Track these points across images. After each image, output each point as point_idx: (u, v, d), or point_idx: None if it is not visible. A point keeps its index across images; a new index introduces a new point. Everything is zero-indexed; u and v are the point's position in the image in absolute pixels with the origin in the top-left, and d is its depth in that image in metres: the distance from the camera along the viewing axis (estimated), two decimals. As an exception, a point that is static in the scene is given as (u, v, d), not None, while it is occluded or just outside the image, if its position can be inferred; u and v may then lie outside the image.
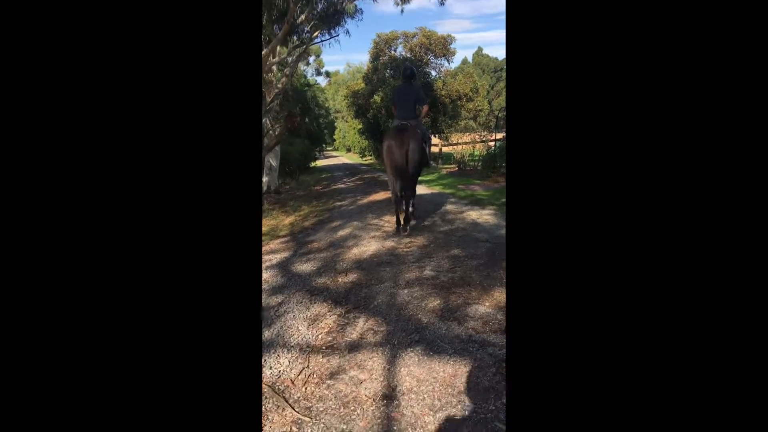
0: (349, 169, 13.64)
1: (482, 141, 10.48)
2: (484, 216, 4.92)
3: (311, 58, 32.58)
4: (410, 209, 4.19)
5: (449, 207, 5.73)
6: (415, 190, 4.31)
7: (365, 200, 6.92)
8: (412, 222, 4.27)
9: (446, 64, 14.80)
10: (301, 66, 29.36)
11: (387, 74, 14.31)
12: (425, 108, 4.34)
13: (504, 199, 5.86)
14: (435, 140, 15.32)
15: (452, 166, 12.25)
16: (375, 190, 8.18)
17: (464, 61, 38.46)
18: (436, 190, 7.72)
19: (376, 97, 13.72)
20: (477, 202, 5.92)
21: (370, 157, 17.83)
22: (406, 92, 4.15)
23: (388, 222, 4.95)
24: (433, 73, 14.70)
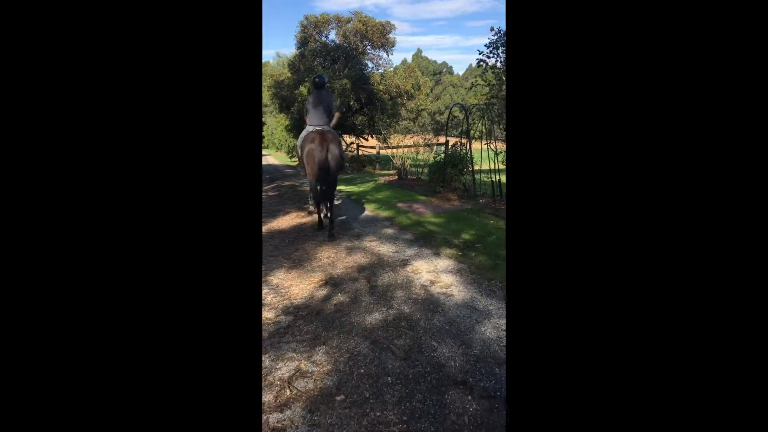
0: (269, 173, 11.08)
1: (427, 144, 8.47)
2: (442, 279, 2.80)
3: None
4: (331, 215, 4.13)
5: (383, 249, 3.56)
6: (333, 195, 4.18)
7: (266, 227, 4.59)
8: (335, 228, 4.11)
9: (385, 55, 12.73)
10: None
11: (316, 63, 11.91)
12: (337, 115, 4.38)
13: (467, 238, 3.80)
14: (372, 141, 13.19)
15: (391, 172, 10.16)
16: (286, 208, 5.82)
17: (404, 62, 36.90)
18: (369, 208, 5.53)
19: (302, 88, 11.27)
20: (426, 240, 3.83)
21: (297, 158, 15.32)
22: (318, 99, 4.21)
23: (286, 284, 2.67)
24: (370, 65, 12.56)
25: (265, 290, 2.66)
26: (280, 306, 2.41)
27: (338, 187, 7.95)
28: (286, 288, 2.69)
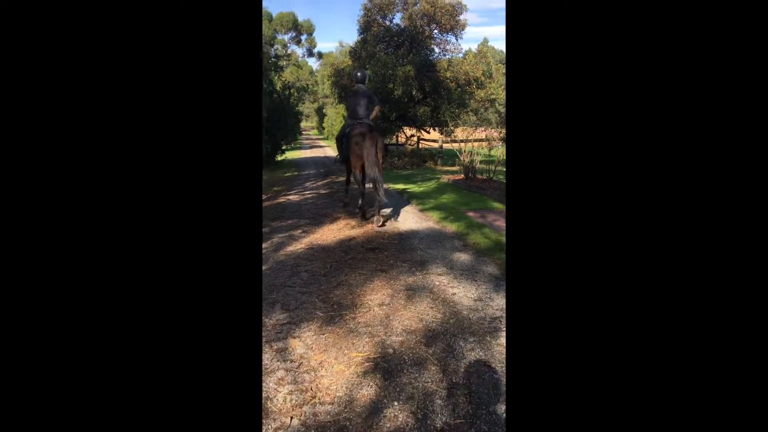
0: (324, 166, 10.28)
1: (503, 139, 7.12)
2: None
3: (303, 37, 28.87)
4: (382, 201, 4.01)
5: (459, 294, 2.44)
6: (383, 183, 4.01)
7: (307, 239, 3.65)
8: (382, 220, 4.05)
9: (453, 40, 11.37)
10: (290, 46, 25.73)
11: (378, 48, 10.85)
12: (377, 109, 4.41)
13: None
14: (434, 134, 11.94)
15: (455, 169, 8.91)
16: (335, 212, 4.87)
17: (468, 53, 34.87)
18: (432, 218, 4.41)
19: (362, 76, 10.29)
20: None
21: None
22: (359, 95, 4.25)
23: (313, 363, 1.66)
24: (437, 50, 11.25)
25: (280, 370, 1.67)
26: (299, 415, 1.40)
27: (396, 187, 6.90)
28: (312, 370, 1.68)
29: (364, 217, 4.31)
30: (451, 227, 4.10)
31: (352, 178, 4.54)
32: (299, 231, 4.00)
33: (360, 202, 4.41)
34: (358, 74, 4.40)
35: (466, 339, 1.91)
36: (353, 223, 4.28)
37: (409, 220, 4.45)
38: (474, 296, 2.41)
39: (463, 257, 3.14)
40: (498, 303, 2.30)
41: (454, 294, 2.44)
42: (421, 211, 4.96)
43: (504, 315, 2.15)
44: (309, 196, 6.15)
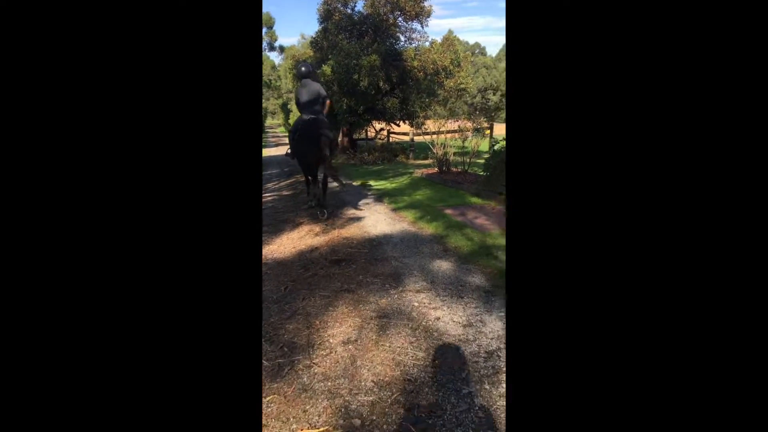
0: (288, 165, 9.59)
1: (477, 129, 6.69)
2: None
3: (263, 30, 27.61)
4: (324, 193, 4.20)
5: (444, 319, 1.95)
6: (327, 177, 4.22)
7: (267, 246, 3.07)
8: (324, 214, 4.07)
9: (419, 27, 10.86)
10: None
11: (340, 37, 10.21)
12: (329, 102, 4.33)
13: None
14: (404, 127, 11.44)
15: (428, 162, 8.45)
16: (298, 217, 4.29)
17: (433, 44, 34.60)
18: (406, 218, 3.91)
19: (325, 67, 9.63)
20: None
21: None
22: (307, 89, 4.10)
23: None
24: (402, 38, 10.72)
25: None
26: None
27: (366, 184, 6.37)
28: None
29: (322, 205, 4.25)
30: (428, 228, 3.61)
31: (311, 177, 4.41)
32: (253, 242, 3.40)
33: (310, 197, 4.47)
34: (302, 69, 4.23)
35: (459, 391, 1.42)
36: (317, 228, 3.72)
37: (381, 222, 3.93)
38: (462, 320, 1.92)
39: (444, 266, 2.65)
40: (492, 328, 1.82)
41: (438, 319, 1.94)
42: (394, 210, 4.45)
43: (502, 346, 1.67)
44: (269, 198, 5.52)
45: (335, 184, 4.16)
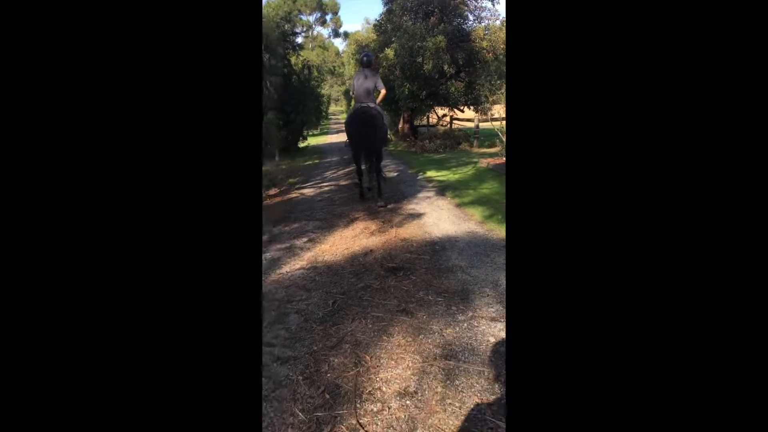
0: (348, 153, 9.37)
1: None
2: None
3: (328, 17, 27.57)
4: (381, 182, 4.21)
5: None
6: (381, 167, 4.31)
7: (311, 252, 2.78)
8: (381, 203, 4.06)
9: (490, 5, 9.97)
10: (316, 27, 24.59)
11: (405, 19, 9.65)
12: (383, 91, 4.38)
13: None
14: (469, 113, 10.69)
15: (493, 151, 7.73)
16: (354, 211, 3.96)
17: (504, 23, 32.56)
18: (473, 216, 3.40)
19: (388, 51, 9.18)
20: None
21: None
22: (364, 78, 4.17)
23: None
24: (471, 17, 9.91)
25: None
26: None
27: (427, 174, 5.91)
28: None
29: (363, 196, 4.39)
30: (499, 231, 3.09)
31: (363, 166, 4.38)
32: (304, 239, 3.11)
33: (360, 184, 4.47)
34: (364, 58, 4.35)
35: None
36: (373, 226, 3.35)
37: (444, 220, 3.47)
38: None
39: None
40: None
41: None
42: (459, 206, 3.96)
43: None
44: (326, 188, 5.27)
45: (374, 181, 4.22)
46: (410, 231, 3.17)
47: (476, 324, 1.78)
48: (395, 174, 4.56)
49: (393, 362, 1.53)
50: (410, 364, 1.51)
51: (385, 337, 1.70)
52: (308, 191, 5.16)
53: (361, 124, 4.00)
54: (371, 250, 2.77)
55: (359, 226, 3.38)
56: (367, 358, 1.56)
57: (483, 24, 9.66)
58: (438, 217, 3.56)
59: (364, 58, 4.34)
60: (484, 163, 6.58)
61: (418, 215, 3.66)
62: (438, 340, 1.66)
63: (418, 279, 2.28)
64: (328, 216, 3.79)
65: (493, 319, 1.82)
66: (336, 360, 1.56)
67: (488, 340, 1.65)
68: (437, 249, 2.76)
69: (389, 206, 4.03)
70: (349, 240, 3.04)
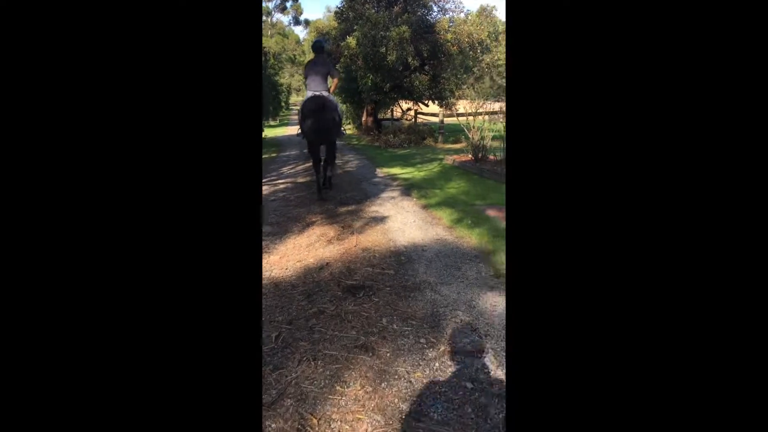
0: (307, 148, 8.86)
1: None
2: None
3: (288, 3, 26.45)
4: (329, 174, 4.24)
5: None
6: (334, 158, 4.34)
7: (267, 257, 2.38)
8: (329, 190, 4.15)
9: (454, -3, 9.73)
10: (275, 14, 23.50)
11: (367, 7, 9.22)
12: (335, 80, 4.30)
13: None
14: (434, 107, 10.46)
15: (459, 147, 7.53)
16: (311, 213, 3.57)
17: (469, 15, 32.73)
18: (441, 220, 3.11)
19: (350, 39, 8.72)
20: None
21: (349, 126, 12.86)
22: (317, 64, 4.02)
23: None
24: (435, 8, 9.62)
25: None
26: None
27: (391, 171, 5.59)
28: None
29: (321, 196, 4.04)
30: (469, 238, 2.81)
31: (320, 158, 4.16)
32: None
33: (317, 178, 4.12)
34: (315, 44, 4.21)
35: None
36: (331, 232, 2.98)
37: (410, 224, 3.16)
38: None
39: (501, 304, 1.87)
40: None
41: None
42: (425, 208, 3.67)
43: None
44: (281, 186, 4.82)
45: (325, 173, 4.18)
46: (373, 238, 2.83)
47: (450, 363, 1.47)
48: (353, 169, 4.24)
49: (347, 426, 1.19)
50: (369, 429, 1.18)
51: (338, 387, 1.36)
52: (263, 189, 4.68)
53: (311, 113, 3.81)
54: (327, 263, 2.41)
55: (315, 232, 3.00)
56: (314, 421, 1.21)
57: (447, 16, 9.40)
58: (403, 222, 3.24)
59: (316, 44, 4.18)
60: (449, 160, 6.35)
61: (381, 219, 3.32)
62: (404, 389, 1.34)
63: (380, 301, 1.94)
64: (282, 219, 3.38)
65: (469, 354, 1.52)
66: (273, 425, 1.20)
67: (465, 386, 1.35)
68: (403, 261, 2.44)
69: (350, 208, 3.67)
70: (303, 250, 2.65)
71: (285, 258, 2.52)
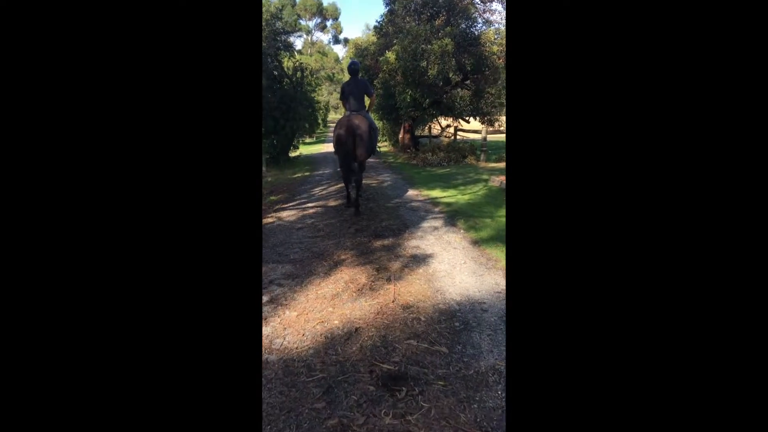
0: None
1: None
2: None
3: (328, 22, 26.80)
4: (353, 196, 4.11)
5: None
6: (362, 176, 4.18)
7: (266, 328, 1.82)
8: (353, 209, 4.03)
9: (500, 8, 9.12)
10: (316, 33, 23.81)
11: (408, 20, 8.77)
12: (372, 98, 4.36)
13: None
14: (475, 124, 9.79)
15: (504, 166, 6.80)
16: (340, 248, 3.00)
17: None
18: (498, 261, 2.45)
19: (389, 54, 8.28)
20: None
21: (385, 144, 12.41)
22: (354, 85, 4.16)
23: None
24: (480, 20, 9.04)
25: None
26: None
27: (431, 194, 4.97)
28: None
29: (350, 203, 4.18)
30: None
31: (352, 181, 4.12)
32: (264, 298, 2.14)
33: (348, 198, 4.23)
34: (351, 66, 4.35)
35: None
36: (362, 278, 2.38)
37: (459, 266, 2.51)
38: None
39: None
40: None
41: None
42: (476, 244, 3.00)
43: None
44: (311, 211, 4.30)
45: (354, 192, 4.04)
46: (415, 289, 2.21)
47: None
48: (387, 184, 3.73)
49: None
50: None
51: None
52: (289, 214, 4.18)
53: (344, 133, 3.84)
54: (357, 329, 1.80)
55: (344, 277, 2.41)
56: None
57: (493, 27, 8.78)
58: (451, 263, 2.60)
59: (351, 66, 4.33)
60: (496, 181, 5.65)
61: (423, 259, 2.70)
62: None
63: (432, 407, 1.31)
64: (306, 256, 2.83)
65: None
66: None
67: None
68: (456, 328, 1.80)
69: (386, 242, 3.07)
70: (328, 304, 2.07)
71: (304, 316, 1.95)
